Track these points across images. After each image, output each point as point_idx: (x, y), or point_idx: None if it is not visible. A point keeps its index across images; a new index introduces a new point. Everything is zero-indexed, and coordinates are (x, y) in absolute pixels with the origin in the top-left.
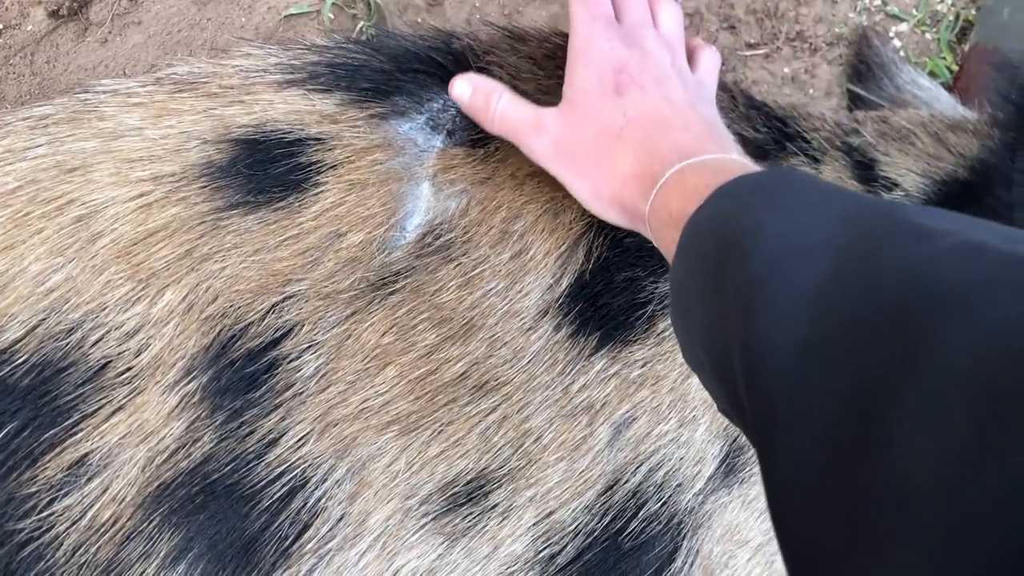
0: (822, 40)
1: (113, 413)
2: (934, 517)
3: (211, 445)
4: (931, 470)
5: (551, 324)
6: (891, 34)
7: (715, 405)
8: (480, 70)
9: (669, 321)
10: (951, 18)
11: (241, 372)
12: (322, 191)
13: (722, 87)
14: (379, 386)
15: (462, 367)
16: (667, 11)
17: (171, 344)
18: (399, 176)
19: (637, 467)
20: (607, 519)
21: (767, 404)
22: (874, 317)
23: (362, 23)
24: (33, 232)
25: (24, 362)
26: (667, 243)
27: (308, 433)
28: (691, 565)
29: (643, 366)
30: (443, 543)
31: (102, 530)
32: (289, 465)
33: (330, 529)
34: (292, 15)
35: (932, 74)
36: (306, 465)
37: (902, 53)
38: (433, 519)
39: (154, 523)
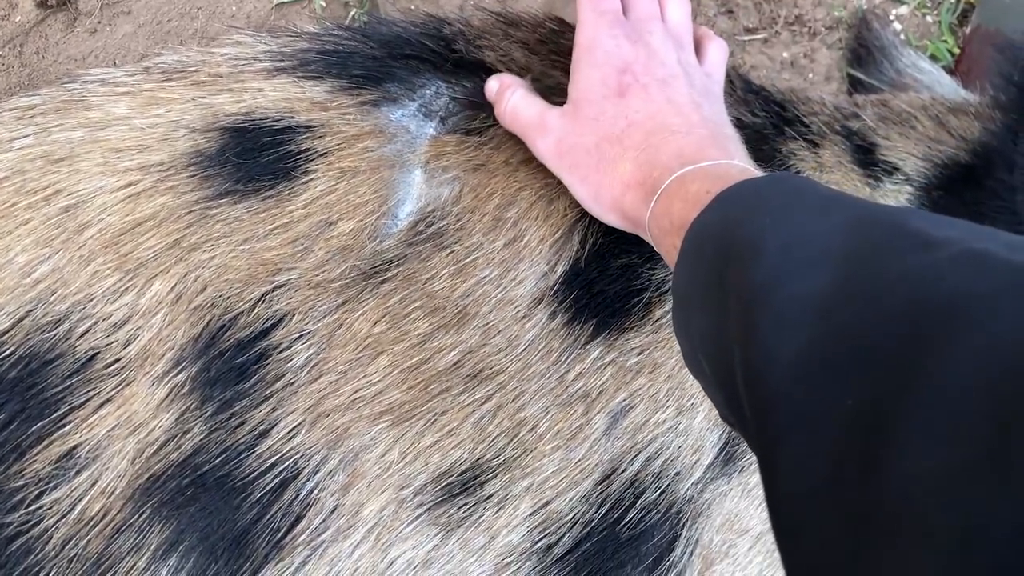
0: (821, 24)
1: (101, 405)
2: (937, 538)
3: (201, 437)
4: (936, 490)
5: (546, 312)
6: (891, 17)
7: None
8: (472, 57)
9: (666, 308)
10: (952, 0)
11: (231, 363)
12: (312, 179)
13: None
14: (371, 376)
15: (455, 356)
16: (675, 3)
17: (160, 335)
18: (391, 163)
19: (635, 456)
20: (604, 509)
21: (769, 416)
22: (876, 330)
23: (354, 10)
24: (19, 223)
25: (11, 354)
26: (668, 250)
27: (300, 424)
28: (690, 555)
29: (640, 353)
30: (438, 534)
31: (92, 523)
32: (281, 456)
33: (323, 520)
34: (283, 3)
35: (933, 57)
36: (298, 456)
37: (902, 36)
38: (428, 510)
39: (144, 516)
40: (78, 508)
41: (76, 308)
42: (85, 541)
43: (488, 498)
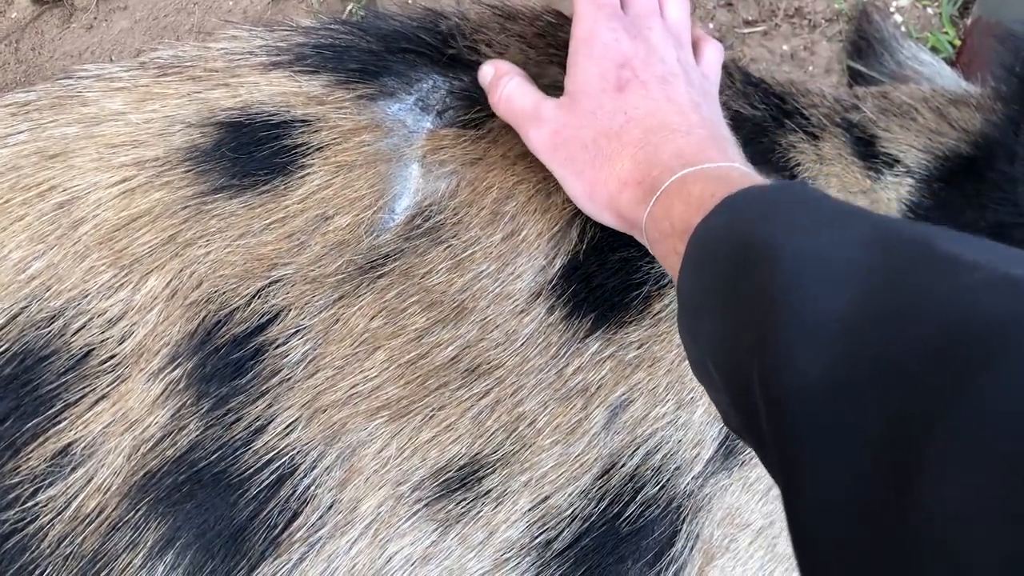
0: (821, 16)
1: (97, 402)
2: (974, 572)
3: (197, 433)
4: (972, 522)
5: (544, 306)
6: (892, 9)
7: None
8: (469, 50)
9: (665, 301)
10: None
11: (227, 358)
12: (308, 173)
13: None
14: (368, 371)
15: (453, 351)
16: (674, 1)
17: (155, 331)
18: (387, 157)
19: (634, 450)
20: (604, 503)
21: (793, 438)
22: (907, 353)
23: (351, 5)
24: (14, 219)
25: (5, 351)
26: (666, 253)
27: (296, 419)
28: (691, 549)
29: (639, 347)
30: (436, 529)
31: (87, 520)
32: (277, 452)
33: (320, 517)
34: None
35: (934, 49)
36: (295, 452)
37: (903, 28)
38: (426, 505)
39: (140, 513)
40: (74, 505)
41: (71, 304)
42: (81, 538)
43: (486, 493)
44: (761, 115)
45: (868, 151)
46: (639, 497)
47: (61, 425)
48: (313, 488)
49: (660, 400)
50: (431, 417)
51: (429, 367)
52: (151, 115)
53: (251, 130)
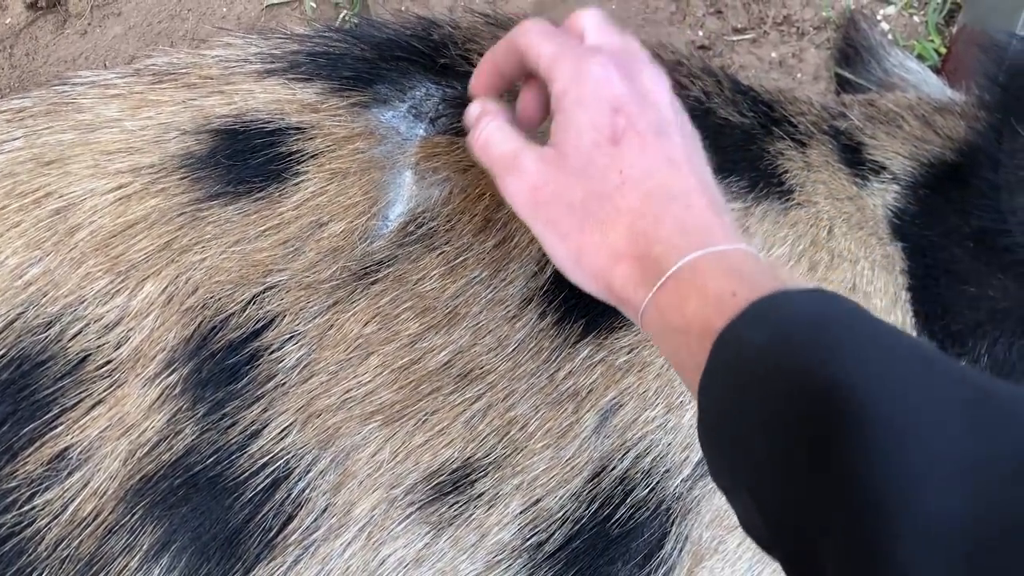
0: (809, 24)
1: (93, 407)
2: None
3: (193, 437)
4: None
5: (536, 312)
6: (879, 17)
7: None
8: (461, 58)
9: None
10: (939, 0)
11: (222, 364)
12: (303, 180)
13: (708, 71)
14: (362, 376)
15: (446, 356)
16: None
17: (151, 336)
18: (381, 165)
19: (624, 454)
20: (594, 506)
21: None
22: None
23: (345, 12)
24: (10, 225)
25: (2, 356)
26: (674, 349)
27: (291, 424)
28: (680, 551)
29: (629, 352)
30: (429, 532)
31: (84, 524)
32: (272, 456)
33: (315, 520)
34: (274, 5)
35: (920, 57)
36: (289, 456)
37: (890, 36)
38: (419, 509)
39: (136, 516)
40: (70, 509)
41: (67, 310)
42: (77, 542)
43: (479, 496)
44: (750, 122)
45: (855, 158)
46: (629, 500)
47: (58, 430)
48: (308, 492)
49: (650, 404)
50: (424, 421)
51: (422, 372)
52: (146, 122)
53: (246, 137)
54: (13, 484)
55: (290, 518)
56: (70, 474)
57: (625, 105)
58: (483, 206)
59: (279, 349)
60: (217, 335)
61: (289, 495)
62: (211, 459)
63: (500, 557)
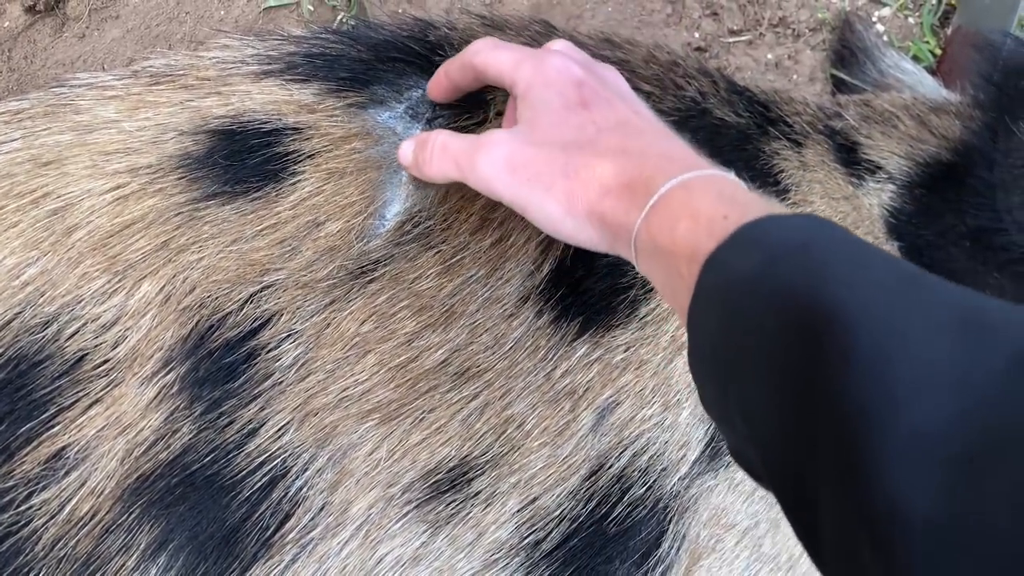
0: (805, 26)
1: (90, 406)
2: None
3: (190, 436)
4: None
5: (532, 310)
6: (874, 19)
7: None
8: None
9: (651, 306)
10: (933, 2)
11: (220, 362)
12: (300, 180)
13: (704, 72)
14: (359, 374)
15: (443, 354)
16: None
17: (148, 336)
18: (378, 164)
19: (621, 452)
20: (592, 504)
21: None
22: None
23: (342, 14)
24: (8, 225)
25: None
26: (664, 271)
27: (288, 422)
28: (677, 549)
29: (626, 350)
30: (426, 531)
31: (81, 523)
32: (269, 455)
33: (312, 519)
34: (272, 7)
35: (916, 58)
36: (286, 455)
37: (885, 38)
38: (416, 507)
39: (133, 515)
40: (67, 508)
41: (65, 310)
42: (74, 541)
43: (476, 495)
44: (746, 123)
45: (850, 158)
46: (626, 498)
47: (55, 429)
48: (305, 490)
49: (647, 402)
50: (421, 420)
51: (419, 370)
52: (144, 123)
53: (243, 138)
54: (10, 483)
55: (287, 517)
56: (67, 473)
57: (587, 81)
58: (479, 205)
59: (276, 348)
60: (214, 334)
61: (286, 494)
62: (208, 458)
63: (497, 555)
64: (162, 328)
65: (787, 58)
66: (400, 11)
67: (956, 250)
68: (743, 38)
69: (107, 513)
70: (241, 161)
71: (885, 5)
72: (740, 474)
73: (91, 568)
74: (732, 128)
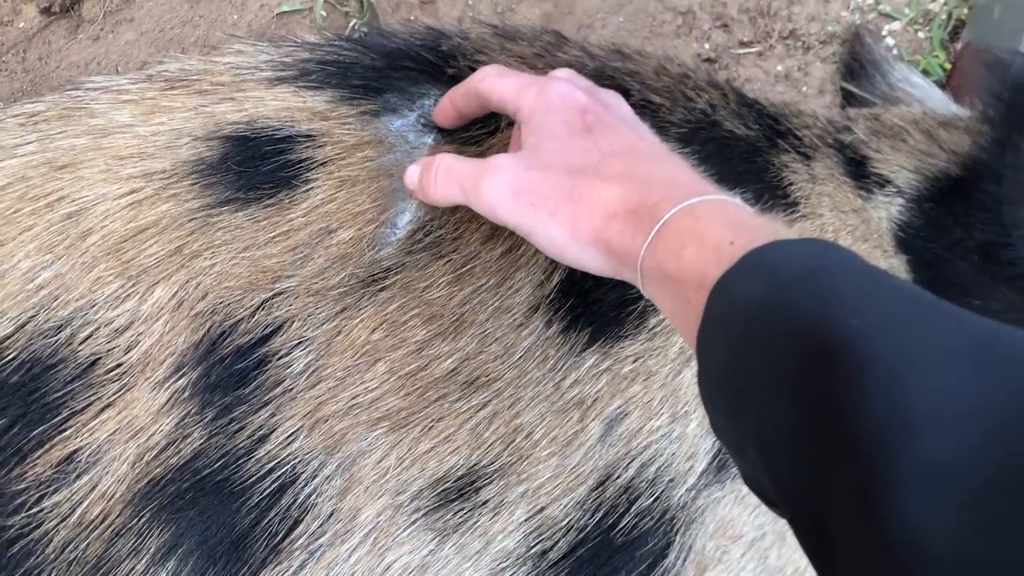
0: (815, 38)
1: (102, 410)
2: None
3: (201, 441)
4: None
5: (542, 320)
6: (884, 32)
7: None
8: (469, 69)
9: (660, 316)
10: (943, 17)
11: (231, 368)
12: (312, 188)
13: (714, 84)
14: (369, 382)
15: (452, 363)
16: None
17: (161, 341)
18: (390, 173)
19: (629, 462)
20: (599, 515)
21: None
22: None
23: (354, 21)
24: (23, 229)
25: (13, 359)
26: (670, 296)
27: (298, 429)
28: (684, 560)
29: (634, 361)
30: (434, 539)
31: (91, 527)
32: (279, 461)
33: (320, 525)
34: (285, 13)
35: (925, 72)
36: (296, 461)
37: (895, 51)
38: (424, 515)
39: (144, 519)
40: (78, 511)
41: (78, 314)
42: (85, 544)
43: (484, 504)
44: (755, 135)
45: (859, 171)
46: (633, 509)
47: (67, 433)
48: (314, 497)
49: (655, 413)
50: (430, 428)
51: (429, 379)
52: (158, 127)
53: (256, 144)
54: (22, 486)
55: (296, 523)
56: (78, 477)
57: (591, 107)
58: None
59: (287, 355)
60: (226, 340)
61: (295, 500)
62: (219, 463)
63: (504, 565)
64: (174, 333)
65: (797, 70)
66: (412, 19)
67: (964, 264)
68: (753, 50)
69: (117, 517)
70: (254, 167)
71: (895, 19)
72: (746, 487)
73: (101, 571)
74: (742, 141)
